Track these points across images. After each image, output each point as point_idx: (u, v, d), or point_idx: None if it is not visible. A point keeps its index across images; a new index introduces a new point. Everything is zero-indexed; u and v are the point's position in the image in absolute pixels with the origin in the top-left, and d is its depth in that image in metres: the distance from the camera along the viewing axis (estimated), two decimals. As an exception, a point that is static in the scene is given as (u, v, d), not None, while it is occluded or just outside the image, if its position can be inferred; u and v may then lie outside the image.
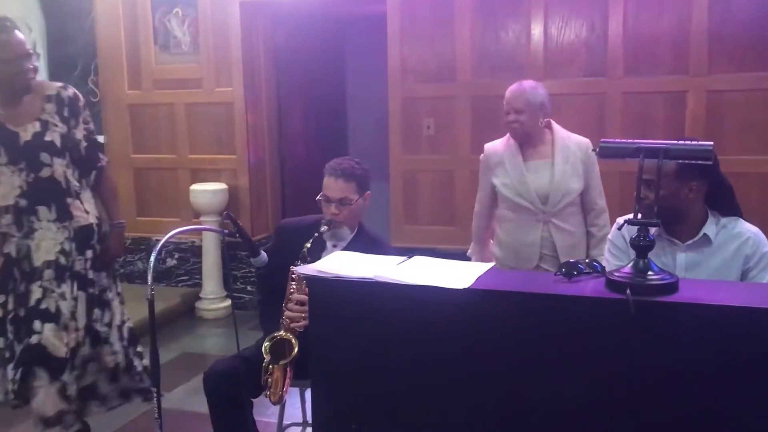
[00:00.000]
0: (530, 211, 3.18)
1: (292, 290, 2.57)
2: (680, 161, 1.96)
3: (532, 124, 3.15)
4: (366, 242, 2.71)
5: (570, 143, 3.20)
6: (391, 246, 2.85)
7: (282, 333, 2.53)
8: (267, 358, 2.48)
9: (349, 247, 2.68)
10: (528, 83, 3.19)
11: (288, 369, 2.51)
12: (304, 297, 2.48)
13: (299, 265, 2.46)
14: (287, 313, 2.56)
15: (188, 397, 3.80)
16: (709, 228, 2.23)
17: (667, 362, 1.70)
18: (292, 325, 2.54)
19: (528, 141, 3.19)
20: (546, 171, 3.17)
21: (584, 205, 3.26)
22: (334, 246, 2.74)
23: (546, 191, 3.16)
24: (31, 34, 6.29)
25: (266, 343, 2.51)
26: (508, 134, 3.27)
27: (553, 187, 3.15)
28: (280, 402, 2.58)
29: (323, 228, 2.63)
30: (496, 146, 3.30)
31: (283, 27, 5.55)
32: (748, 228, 2.24)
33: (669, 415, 1.72)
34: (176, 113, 5.42)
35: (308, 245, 2.53)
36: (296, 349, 2.48)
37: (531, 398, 1.83)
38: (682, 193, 2.18)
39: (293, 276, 2.56)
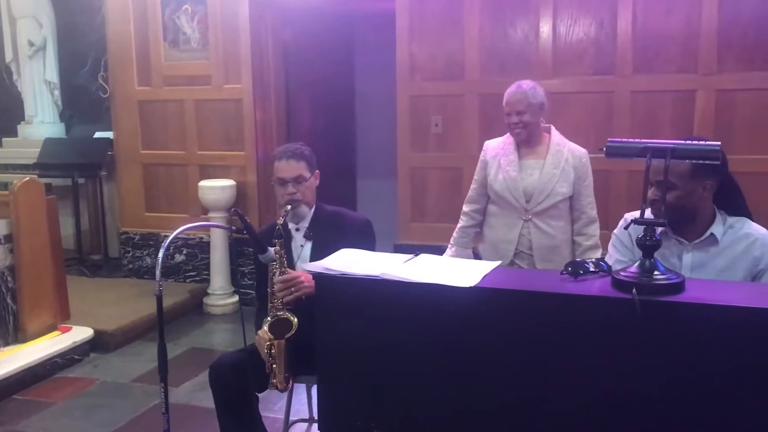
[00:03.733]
0: (514, 207, 3.23)
1: (273, 273, 2.57)
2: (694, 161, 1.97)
3: (535, 124, 3.19)
4: (327, 218, 2.82)
5: (563, 149, 3.23)
6: (357, 215, 2.90)
7: (279, 314, 2.54)
8: (268, 337, 2.49)
9: (311, 227, 2.79)
10: (526, 83, 3.20)
11: (290, 350, 2.51)
12: (287, 275, 2.54)
13: (275, 242, 2.53)
14: (278, 293, 2.56)
15: (196, 392, 3.82)
16: (717, 228, 2.22)
17: (672, 361, 1.70)
18: (285, 299, 2.54)
19: (528, 141, 3.22)
20: (536, 170, 3.21)
21: (573, 213, 3.28)
22: (297, 229, 2.80)
23: (532, 190, 3.20)
24: (41, 30, 6.35)
25: (265, 327, 2.52)
26: (508, 133, 3.29)
27: (538, 186, 3.19)
28: (287, 388, 2.58)
29: (287, 208, 2.69)
30: (495, 143, 3.35)
31: (292, 24, 5.55)
32: (756, 229, 2.22)
33: (674, 413, 1.72)
34: (185, 109, 5.43)
35: (280, 221, 2.59)
36: (295, 321, 2.49)
37: (536, 396, 1.84)
38: (697, 193, 2.17)
39: (274, 265, 2.58)
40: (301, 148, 2.84)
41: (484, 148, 3.37)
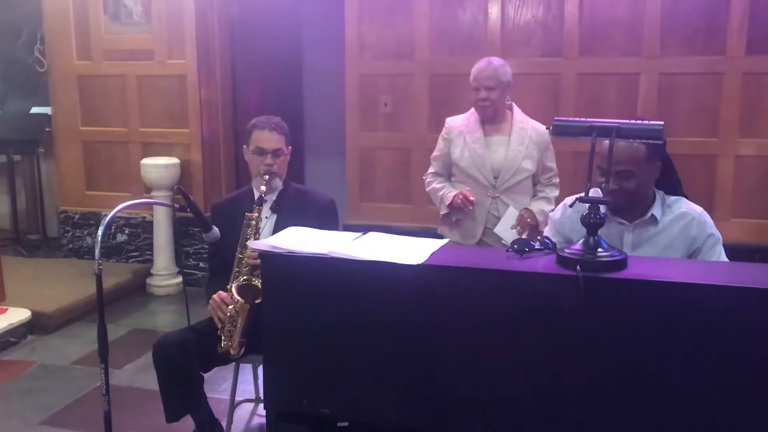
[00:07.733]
0: (482, 185, 3.24)
1: (247, 237, 2.58)
2: (649, 144, 2.02)
3: (501, 102, 3.22)
4: (293, 195, 2.85)
5: (527, 126, 3.27)
6: (322, 194, 2.91)
7: (249, 279, 2.55)
8: (237, 297, 2.50)
9: (278, 201, 2.81)
10: (497, 60, 3.22)
11: (252, 318, 2.51)
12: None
13: (255, 208, 2.59)
14: (249, 260, 2.56)
15: (138, 374, 3.74)
16: (656, 208, 2.27)
17: (615, 336, 1.74)
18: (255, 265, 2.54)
19: (493, 118, 3.23)
20: (502, 147, 3.23)
21: (535, 187, 3.34)
22: (265, 201, 2.78)
23: (499, 167, 3.22)
24: (-28, -1, 6.04)
25: (234, 289, 2.53)
26: (471, 110, 3.30)
27: (506, 163, 3.21)
28: (239, 354, 2.57)
29: (266, 177, 2.71)
30: (459, 120, 3.35)
31: (239, -1, 5.43)
32: (692, 208, 2.29)
33: (617, 388, 1.76)
34: (127, 85, 5.27)
35: (263, 188, 2.66)
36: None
37: (483, 372, 1.85)
38: (651, 175, 2.22)
39: (252, 222, 2.60)
40: (282, 122, 2.89)
41: (446, 125, 3.36)
